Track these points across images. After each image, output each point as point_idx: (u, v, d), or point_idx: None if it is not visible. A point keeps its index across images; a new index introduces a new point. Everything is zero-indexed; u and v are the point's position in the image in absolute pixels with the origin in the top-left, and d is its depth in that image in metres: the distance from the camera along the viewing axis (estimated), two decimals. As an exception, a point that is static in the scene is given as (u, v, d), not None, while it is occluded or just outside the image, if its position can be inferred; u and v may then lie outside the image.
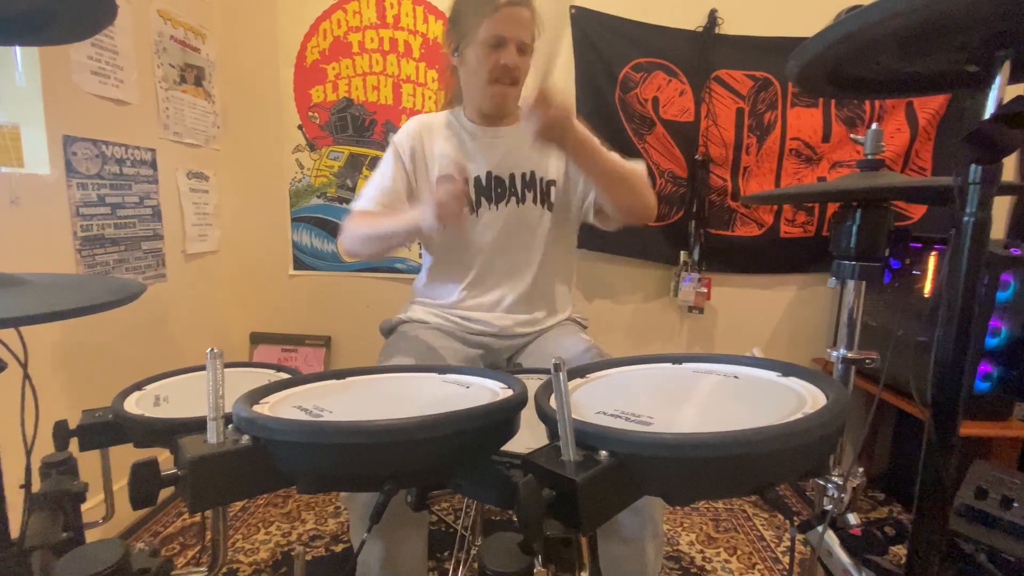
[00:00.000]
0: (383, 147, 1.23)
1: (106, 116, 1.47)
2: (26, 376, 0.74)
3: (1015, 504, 1.04)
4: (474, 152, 1.18)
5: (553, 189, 1.17)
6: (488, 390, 0.68)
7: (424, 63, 1.94)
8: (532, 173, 1.17)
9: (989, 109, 0.61)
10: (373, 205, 1.15)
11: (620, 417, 0.55)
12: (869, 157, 0.95)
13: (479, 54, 1.08)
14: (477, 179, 1.16)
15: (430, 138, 1.20)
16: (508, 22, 1.05)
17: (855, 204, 0.93)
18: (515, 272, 1.18)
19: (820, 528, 0.85)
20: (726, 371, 0.69)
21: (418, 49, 1.94)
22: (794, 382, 0.62)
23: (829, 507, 0.94)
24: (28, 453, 0.75)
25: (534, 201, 1.17)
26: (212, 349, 0.54)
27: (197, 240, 1.85)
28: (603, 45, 1.87)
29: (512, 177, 1.17)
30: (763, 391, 0.61)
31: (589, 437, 0.49)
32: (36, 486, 0.77)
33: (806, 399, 0.55)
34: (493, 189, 1.17)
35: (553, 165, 1.18)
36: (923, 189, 1.01)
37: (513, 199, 1.17)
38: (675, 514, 1.70)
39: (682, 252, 1.96)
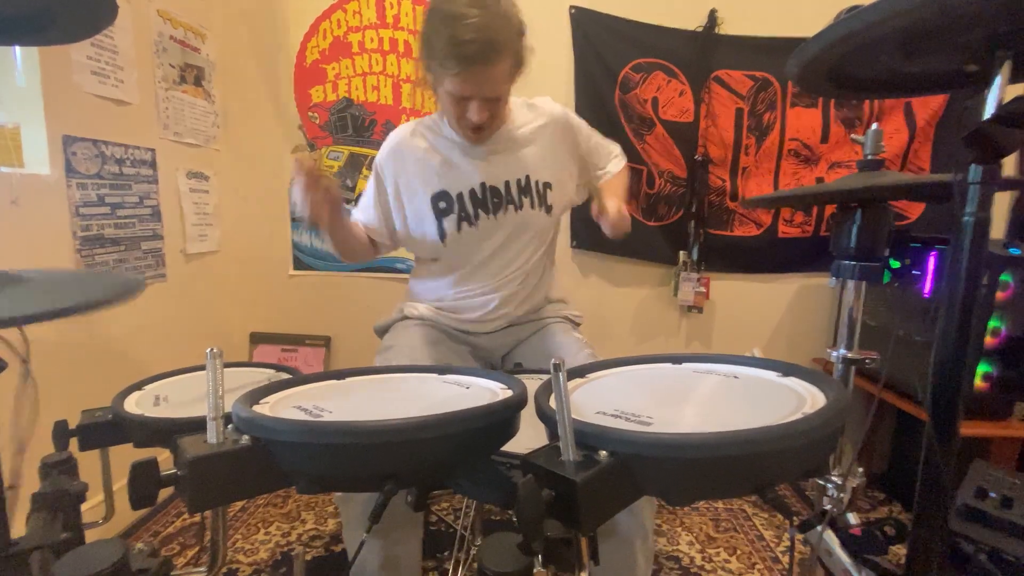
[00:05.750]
0: (383, 147, 1.22)
1: (106, 116, 1.47)
2: (27, 375, 0.74)
3: (1015, 504, 1.03)
4: (463, 166, 1.13)
5: (550, 192, 1.15)
6: (488, 390, 0.68)
7: (424, 63, 1.95)
8: (527, 177, 1.14)
9: (989, 109, 0.61)
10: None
11: (620, 417, 0.55)
12: (869, 157, 0.95)
13: (445, 100, 1.03)
14: (472, 192, 1.13)
15: (408, 159, 1.15)
16: (470, 83, 0.97)
17: (855, 204, 0.93)
18: (507, 274, 1.17)
19: (820, 528, 0.85)
20: (726, 371, 0.69)
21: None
22: (794, 382, 0.62)
23: (829, 507, 0.94)
24: (22, 452, 0.75)
25: (532, 206, 1.15)
26: (212, 349, 0.54)
27: (197, 240, 1.85)
28: (603, 45, 1.87)
29: (507, 184, 1.14)
30: (763, 391, 0.61)
31: (589, 437, 0.49)
32: (36, 486, 0.77)
33: (806, 399, 0.56)
34: (489, 200, 1.13)
35: (547, 167, 1.15)
36: (923, 186, 1.01)
37: (511, 206, 1.14)
38: (675, 514, 1.70)
39: (681, 252, 1.96)
